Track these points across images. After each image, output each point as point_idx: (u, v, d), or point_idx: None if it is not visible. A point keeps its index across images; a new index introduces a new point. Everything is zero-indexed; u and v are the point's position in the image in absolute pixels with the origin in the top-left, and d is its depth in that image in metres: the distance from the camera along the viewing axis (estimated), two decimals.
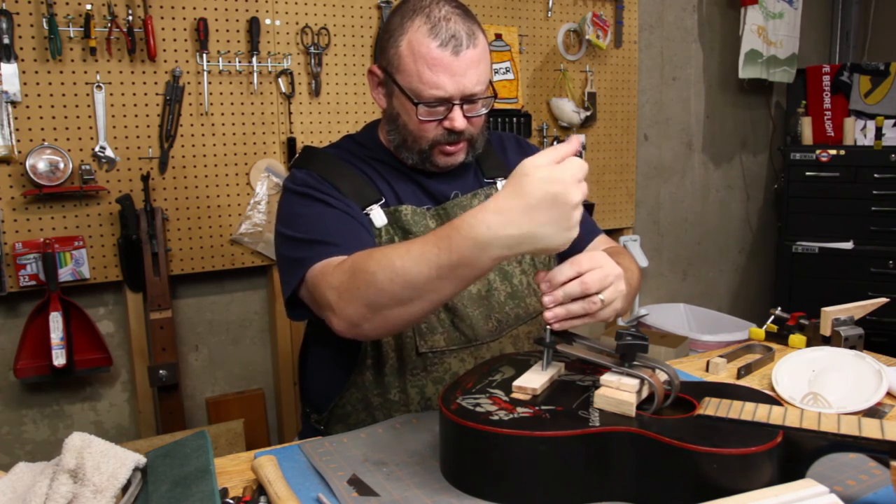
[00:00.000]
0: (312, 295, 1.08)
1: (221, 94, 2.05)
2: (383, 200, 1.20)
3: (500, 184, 1.30)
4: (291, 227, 1.15)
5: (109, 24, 1.86)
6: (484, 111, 1.18)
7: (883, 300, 1.44)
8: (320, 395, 1.27)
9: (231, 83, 2.06)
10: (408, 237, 1.18)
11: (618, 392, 0.86)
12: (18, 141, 1.82)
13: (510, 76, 2.49)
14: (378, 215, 1.18)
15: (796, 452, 0.78)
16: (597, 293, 0.90)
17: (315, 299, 1.07)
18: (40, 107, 1.84)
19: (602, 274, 0.90)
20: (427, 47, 1.09)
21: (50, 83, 1.85)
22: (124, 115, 1.94)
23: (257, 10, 2.06)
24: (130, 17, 1.89)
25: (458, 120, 1.13)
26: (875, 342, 1.67)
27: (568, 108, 2.58)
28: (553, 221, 0.81)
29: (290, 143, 2.15)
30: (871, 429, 0.76)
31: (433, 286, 0.91)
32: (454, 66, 1.10)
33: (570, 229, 0.82)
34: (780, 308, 1.48)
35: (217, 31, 2.02)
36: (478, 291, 1.21)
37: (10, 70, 1.79)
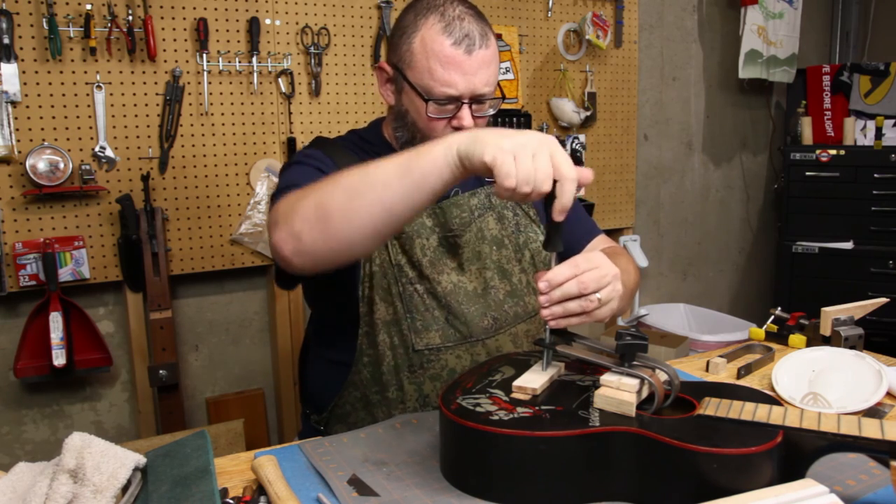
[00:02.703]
0: (269, 223, 1.04)
1: (221, 94, 2.05)
2: None
3: None
4: (282, 189, 1.14)
5: (109, 24, 1.86)
6: (491, 112, 1.19)
7: (883, 300, 1.44)
8: (320, 395, 1.27)
9: (231, 83, 2.06)
10: (400, 237, 1.19)
11: (618, 392, 0.86)
12: (18, 141, 1.82)
13: (510, 76, 2.49)
14: None
15: (796, 452, 0.79)
16: (594, 292, 0.90)
17: (269, 226, 1.03)
18: (40, 107, 1.84)
19: (599, 274, 0.90)
20: (440, 44, 1.10)
21: (50, 83, 1.84)
22: (124, 115, 1.94)
23: (257, 10, 2.06)
24: (130, 17, 1.89)
25: (466, 119, 1.14)
26: (875, 342, 1.67)
27: (568, 108, 2.58)
28: (496, 133, 0.86)
29: (290, 143, 2.15)
30: (871, 429, 0.76)
31: (389, 182, 0.90)
32: (466, 64, 1.11)
33: (503, 138, 0.85)
34: (780, 308, 1.48)
35: (217, 31, 2.02)
36: (474, 289, 1.22)
37: (10, 70, 1.79)
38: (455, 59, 1.10)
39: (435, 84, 1.11)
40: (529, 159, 0.83)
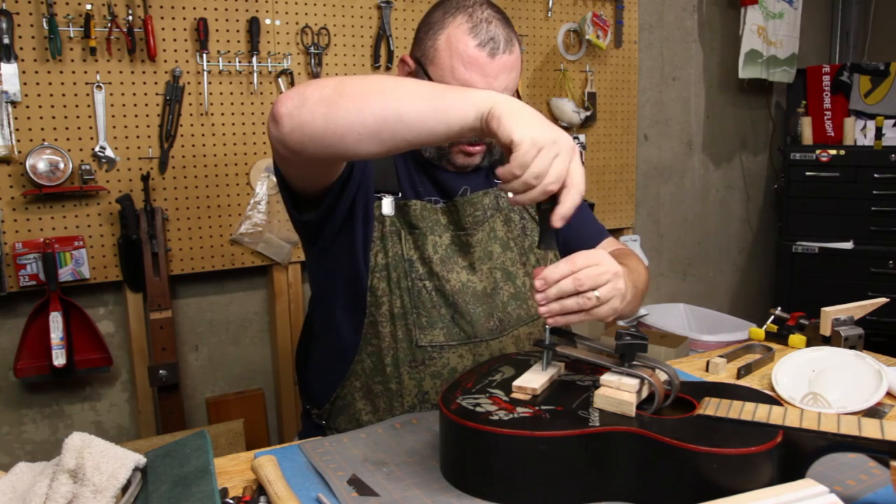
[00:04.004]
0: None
1: (221, 94, 2.05)
2: (399, 195, 1.22)
3: None
4: None
5: (109, 24, 1.86)
6: None
7: (883, 300, 1.44)
8: (321, 387, 1.28)
9: (231, 83, 2.06)
10: (414, 232, 1.19)
11: (618, 392, 0.86)
12: (18, 141, 1.82)
13: None
14: (387, 203, 1.19)
15: (796, 452, 0.78)
16: (591, 290, 0.89)
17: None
18: (40, 107, 1.84)
19: (598, 271, 0.90)
20: (465, 44, 1.11)
21: (50, 83, 1.84)
22: (124, 115, 1.94)
23: (257, 10, 2.06)
24: (130, 17, 1.89)
25: None
26: (875, 342, 1.67)
27: (568, 108, 2.58)
28: (535, 117, 0.87)
29: None
30: (870, 429, 0.76)
31: (416, 94, 0.90)
32: (488, 67, 1.11)
33: (538, 126, 0.86)
34: (780, 308, 1.48)
35: (217, 31, 2.02)
36: (484, 288, 1.22)
37: (10, 70, 1.79)
38: (478, 60, 1.11)
39: (454, 83, 1.12)
40: (550, 157, 0.84)
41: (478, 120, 0.88)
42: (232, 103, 2.07)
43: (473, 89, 0.91)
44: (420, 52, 1.18)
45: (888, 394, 1.16)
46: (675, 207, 3.21)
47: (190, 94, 2.01)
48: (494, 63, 1.11)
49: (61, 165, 1.84)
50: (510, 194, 0.87)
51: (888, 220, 2.86)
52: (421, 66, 1.17)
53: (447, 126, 0.89)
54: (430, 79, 1.15)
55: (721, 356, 1.35)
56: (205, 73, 2.01)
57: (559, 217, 0.86)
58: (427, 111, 0.89)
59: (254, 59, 2.06)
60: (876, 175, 2.86)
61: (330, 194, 1.12)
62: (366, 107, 0.90)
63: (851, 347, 1.32)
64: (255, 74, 2.07)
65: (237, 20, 2.04)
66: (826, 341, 1.36)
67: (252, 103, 2.09)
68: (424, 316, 1.18)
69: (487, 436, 0.82)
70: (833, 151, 2.93)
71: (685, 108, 3.16)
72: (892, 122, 2.92)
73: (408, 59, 1.21)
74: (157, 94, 1.97)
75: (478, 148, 1.20)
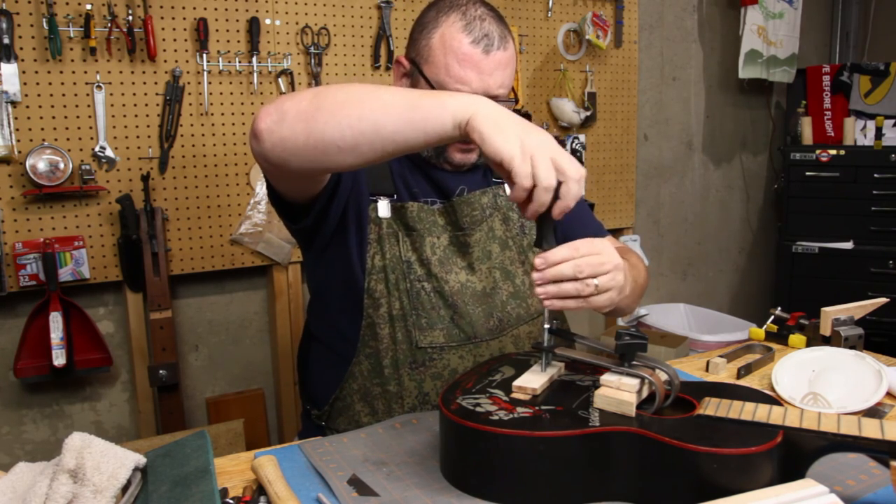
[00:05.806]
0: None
1: (221, 94, 2.05)
2: (395, 197, 1.22)
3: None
4: None
5: (109, 24, 1.86)
6: None
7: (883, 300, 1.44)
8: (321, 388, 1.28)
9: (231, 83, 2.06)
10: (412, 234, 1.19)
11: (618, 392, 0.86)
12: (18, 141, 1.82)
13: None
14: (384, 206, 1.19)
15: (796, 452, 0.78)
16: (590, 277, 0.89)
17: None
18: (40, 107, 1.84)
19: (598, 260, 0.89)
20: (459, 42, 1.11)
21: (50, 83, 1.84)
22: (124, 115, 1.94)
23: (257, 10, 2.06)
24: (130, 17, 1.89)
25: None
26: (875, 342, 1.67)
27: (568, 108, 2.58)
28: (514, 124, 0.86)
29: None
30: (871, 429, 0.76)
31: (392, 105, 0.89)
32: (483, 64, 1.12)
33: (520, 136, 0.84)
34: (780, 308, 1.48)
35: (217, 31, 2.02)
36: (483, 288, 1.22)
37: (10, 70, 1.79)
38: (472, 57, 1.11)
39: (450, 80, 1.12)
40: (548, 158, 0.84)
41: (456, 129, 0.87)
42: (232, 103, 2.07)
43: (451, 95, 0.90)
44: (415, 51, 1.18)
45: (888, 394, 1.16)
46: (675, 207, 3.21)
47: (190, 94, 2.01)
48: (489, 60, 1.12)
49: (61, 165, 1.84)
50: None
51: (888, 220, 2.86)
52: (416, 66, 1.17)
53: (425, 136, 0.89)
54: (425, 78, 1.16)
55: (721, 356, 1.35)
56: (205, 73, 2.01)
57: (561, 210, 0.87)
58: (403, 122, 0.88)
59: (254, 59, 2.06)
60: (876, 175, 2.86)
61: (320, 202, 1.12)
62: (343, 120, 0.90)
63: (851, 347, 1.32)
64: (255, 74, 2.07)
65: (237, 20, 2.04)
66: (826, 341, 1.36)
67: (252, 103, 2.09)
68: (424, 317, 1.18)
69: (487, 436, 0.82)
70: (833, 151, 2.93)
71: (685, 108, 3.16)
72: (892, 122, 2.92)
73: (403, 60, 1.21)
74: (157, 94, 1.97)
75: (473, 145, 1.20)
